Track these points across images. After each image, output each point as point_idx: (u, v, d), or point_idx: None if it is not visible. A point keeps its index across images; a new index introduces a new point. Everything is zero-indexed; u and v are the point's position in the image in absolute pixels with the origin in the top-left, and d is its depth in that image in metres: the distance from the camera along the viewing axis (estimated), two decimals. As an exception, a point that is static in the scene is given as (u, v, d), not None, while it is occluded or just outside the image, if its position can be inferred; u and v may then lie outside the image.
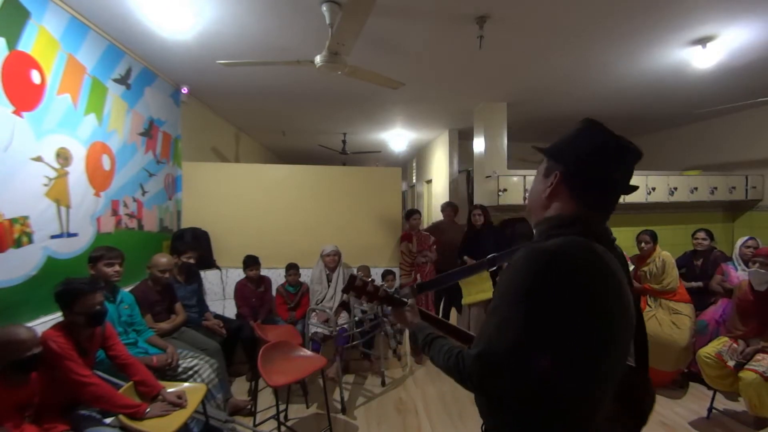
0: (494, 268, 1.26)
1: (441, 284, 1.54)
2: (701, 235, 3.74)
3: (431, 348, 0.99)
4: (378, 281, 4.24)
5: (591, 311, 0.76)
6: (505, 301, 0.81)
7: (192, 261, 3.26)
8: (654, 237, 3.44)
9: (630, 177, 0.88)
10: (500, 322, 0.80)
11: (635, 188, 0.90)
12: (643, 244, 3.44)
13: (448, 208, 4.43)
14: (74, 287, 1.83)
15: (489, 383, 0.81)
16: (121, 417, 1.82)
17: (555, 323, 0.76)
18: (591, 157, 0.85)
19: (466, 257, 3.95)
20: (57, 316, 1.99)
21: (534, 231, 0.94)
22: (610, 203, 0.88)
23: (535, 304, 0.77)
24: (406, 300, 1.22)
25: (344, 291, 1.29)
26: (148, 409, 1.88)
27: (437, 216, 5.20)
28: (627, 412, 0.94)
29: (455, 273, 1.41)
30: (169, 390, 2.05)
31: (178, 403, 1.98)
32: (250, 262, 3.55)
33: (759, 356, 2.59)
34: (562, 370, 0.77)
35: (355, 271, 3.75)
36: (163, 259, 2.81)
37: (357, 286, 1.25)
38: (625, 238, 4.15)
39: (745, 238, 3.51)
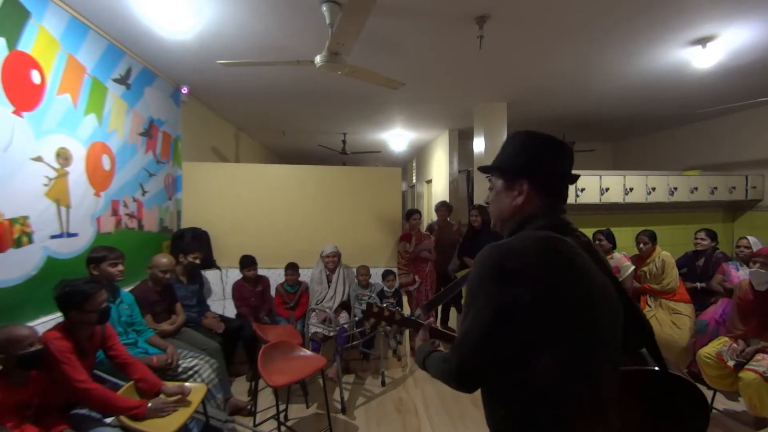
0: None
1: (446, 297, 1.56)
2: (701, 235, 3.74)
3: (428, 363, 1.03)
4: (378, 281, 4.19)
5: (547, 298, 0.79)
6: (469, 297, 0.87)
7: (198, 261, 3.26)
8: (653, 237, 3.44)
9: (571, 167, 0.97)
10: (468, 317, 0.86)
11: (578, 176, 1.01)
12: (641, 245, 3.45)
13: (443, 207, 4.42)
14: (82, 288, 1.82)
15: (468, 376, 0.87)
16: (122, 417, 1.82)
17: (513, 313, 0.80)
18: (547, 160, 0.94)
19: (466, 258, 3.95)
20: (57, 316, 2.00)
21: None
22: (565, 191, 0.98)
23: (492, 297, 0.82)
24: (422, 321, 1.26)
25: (364, 319, 1.36)
26: (149, 404, 1.88)
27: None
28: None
29: (458, 282, 1.42)
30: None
31: (179, 392, 1.98)
32: (247, 263, 3.54)
33: (759, 356, 2.59)
34: (530, 358, 0.79)
35: (354, 272, 3.75)
36: (164, 259, 2.81)
37: (374, 313, 1.34)
38: (625, 238, 4.15)
39: (741, 237, 3.55)
